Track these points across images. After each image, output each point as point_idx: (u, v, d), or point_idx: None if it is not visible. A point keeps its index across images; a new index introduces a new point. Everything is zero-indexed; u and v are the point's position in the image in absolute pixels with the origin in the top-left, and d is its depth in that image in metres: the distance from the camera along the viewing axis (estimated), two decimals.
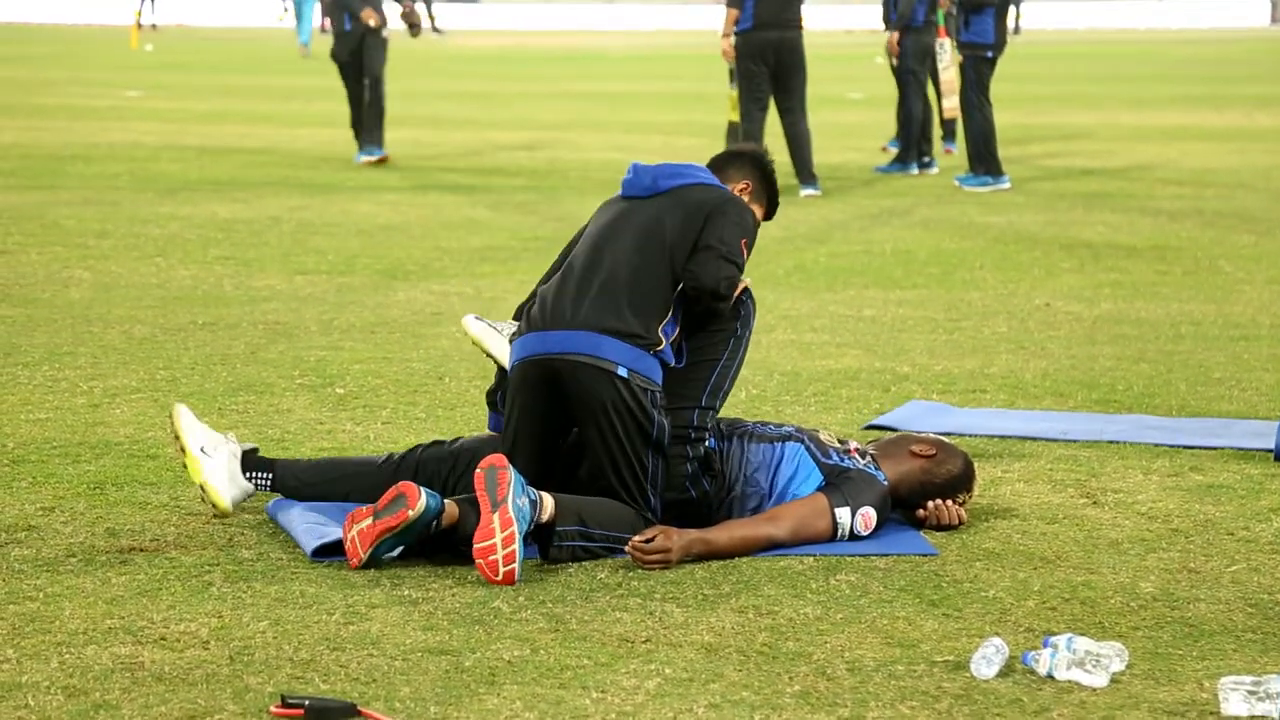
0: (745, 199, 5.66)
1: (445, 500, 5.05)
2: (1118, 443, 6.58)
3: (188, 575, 4.96)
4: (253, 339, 8.56)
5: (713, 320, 5.48)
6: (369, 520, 4.98)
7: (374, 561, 5.02)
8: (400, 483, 5.03)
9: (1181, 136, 21.26)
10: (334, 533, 5.16)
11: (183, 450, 5.47)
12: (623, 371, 5.25)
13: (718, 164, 5.76)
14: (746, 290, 5.55)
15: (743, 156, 5.79)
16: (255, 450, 5.59)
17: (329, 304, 9.64)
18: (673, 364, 5.40)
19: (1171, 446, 6.52)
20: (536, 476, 5.30)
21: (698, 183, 5.58)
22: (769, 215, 5.81)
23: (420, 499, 4.96)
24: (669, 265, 5.40)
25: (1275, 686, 3.97)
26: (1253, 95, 28.16)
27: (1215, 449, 6.50)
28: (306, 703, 3.95)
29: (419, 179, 16.40)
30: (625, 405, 5.24)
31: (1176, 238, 12.62)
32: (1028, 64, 33.63)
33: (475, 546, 4.90)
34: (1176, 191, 15.65)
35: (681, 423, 5.38)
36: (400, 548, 5.04)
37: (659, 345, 5.33)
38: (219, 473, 5.46)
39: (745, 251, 5.46)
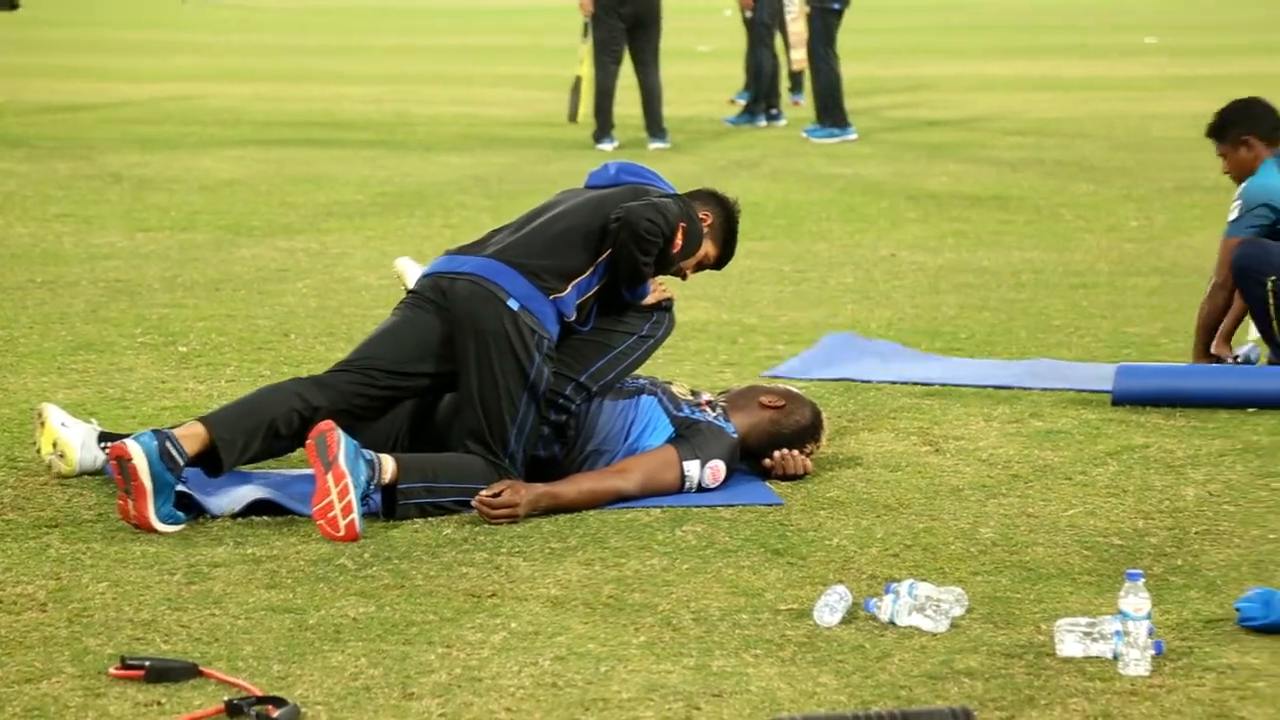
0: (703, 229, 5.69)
1: (169, 430, 5.02)
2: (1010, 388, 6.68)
3: (24, 537, 4.89)
4: (93, 297, 8.44)
5: (627, 308, 5.52)
6: (129, 504, 4.94)
7: (186, 514, 5.00)
8: (112, 453, 4.97)
9: (1025, 87, 21.50)
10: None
11: (42, 425, 5.44)
12: (513, 304, 5.28)
13: (689, 194, 5.77)
14: (669, 303, 5.61)
15: (716, 196, 5.78)
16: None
17: (171, 261, 9.52)
18: (571, 317, 5.41)
19: (1086, 391, 6.57)
20: (395, 386, 5.28)
21: (657, 186, 5.64)
22: (719, 262, 5.79)
23: (132, 446, 4.93)
24: (601, 229, 5.42)
25: (1109, 627, 4.04)
26: (1094, 46, 28.54)
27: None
28: (147, 664, 3.91)
29: (264, 133, 16.22)
30: (507, 337, 5.25)
31: (1018, 187, 12.78)
32: (874, 16, 33.84)
33: (314, 509, 4.90)
34: (1019, 141, 15.84)
35: (555, 388, 5.39)
36: (180, 489, 5.00)
37: (560, 292, 5.35)
38: (74, 436, 5.45)
39: (679, 233, 5.45)
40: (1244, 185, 6.84)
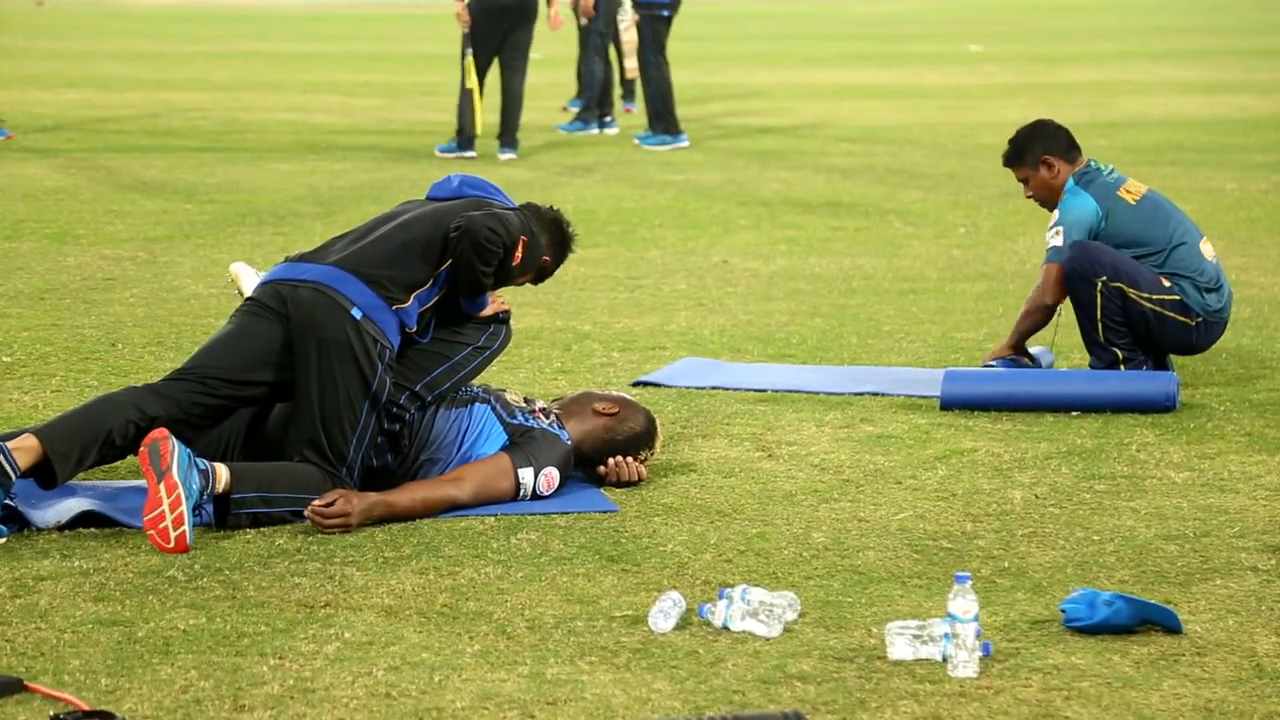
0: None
1: (1, 443, 4.95)
2: (867, 394, 6.73)
3: None
4: None
5: (465, 319, 5.50)
6: None
7: (9, 526, 4.91)
8: None
9: (853, 94, 21.73)
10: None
11: None
12: (356, 313, 5.25)
13: (524, 206, 5.74)
14: (507, 315, 5.60)
15: (555, 221, 5.73)
16: None
17: None
18: (413, 328, 5.38)
19: (915, 396, 6.65)
20: (233, 395, 5.23)
21: (498, 200, 5.63)
22: (541, 277, 5.77)
23: None
24: (442, 240, 5.40)
25: (938, 629, 4.10)
26: (920, 54, 28.91)
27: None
28: None
29: (90, 141, 15.97)
30: (350, 347, 5.22)
31: (849, 194, 12.91)
32: (704, 23, 34.05)
33: (145, 519, 4.84)
34: (848, 148, 16.00)
35: (390, 397, 5.36)
36: (8, 503, 4.92)
37: (403, 303, 5.32)
38: None
39: (520, 245, 5.44)
40: (1060, 210, 6.89)
